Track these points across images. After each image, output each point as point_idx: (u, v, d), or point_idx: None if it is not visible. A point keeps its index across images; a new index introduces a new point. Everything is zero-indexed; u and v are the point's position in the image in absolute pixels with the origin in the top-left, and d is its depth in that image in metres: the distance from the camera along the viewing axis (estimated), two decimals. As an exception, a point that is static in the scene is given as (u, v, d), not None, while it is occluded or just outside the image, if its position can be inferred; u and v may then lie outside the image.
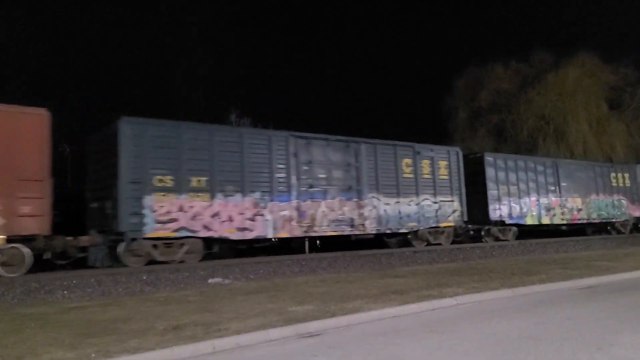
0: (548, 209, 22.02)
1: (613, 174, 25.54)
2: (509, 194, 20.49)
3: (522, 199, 20.99)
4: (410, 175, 17.58)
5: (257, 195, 14.26)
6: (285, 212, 14.74)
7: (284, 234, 14.78)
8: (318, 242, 18.19)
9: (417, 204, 17.57)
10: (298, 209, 14.98)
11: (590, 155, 30.17)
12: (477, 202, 19.60)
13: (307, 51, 55.42)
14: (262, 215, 14.29)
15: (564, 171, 23.04)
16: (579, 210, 23.42)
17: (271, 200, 14.49)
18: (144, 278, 10.57)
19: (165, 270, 11.36)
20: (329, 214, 15.55)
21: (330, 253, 15.35)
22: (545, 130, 34.56)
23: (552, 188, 22.40)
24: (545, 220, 21.83)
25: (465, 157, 19.81)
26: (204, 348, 5.27)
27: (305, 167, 15.34)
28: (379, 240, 18.06)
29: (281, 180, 14.81)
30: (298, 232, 14.98)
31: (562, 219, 22.66)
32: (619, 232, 25.33)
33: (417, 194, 17.61)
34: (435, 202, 18.08)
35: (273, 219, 14.46)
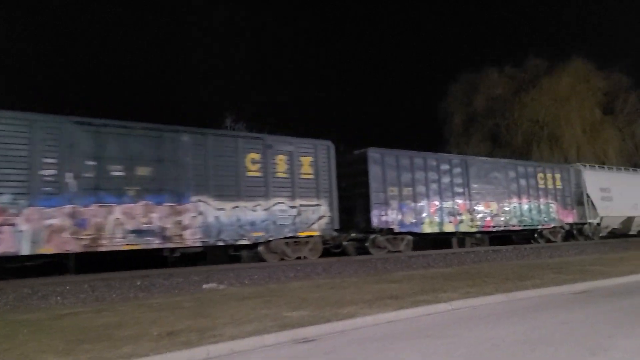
0: (453, 215, 18.99)
1: (540, 175, 22.53)
2: (400, 197, 17.48)
3: (418, 202, 17.93)
4: (258, 174, 14.38)
5: (5, 198, 10.92)
6: (53, 221, 11.32)
7: (48, 250, 11.30)
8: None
9: (266, 209, 14.36)
10: (75, 216, 11.58)
11: (583, 160, 30.32)
12: (361, 207, 17.03)
13: (303, 56, 55.58)
14: (12, 225, 10.89)
15: (475, 170, 20.00)
16: (494, 215, 20.33)
17: (30, 205, 11.13)
18: (138, 284, 10.53)
19: (159, 276, 11.31)
20: (126, 223, 12.14)
21: (324, 258, 15.34)
22: (539, 135, 34.81)
23: (460, 190, 19.36)
24: (449, 228, 18.86)
25: (347, 153, 17.54)
26: (199, 354, 5.24)
27: (91, 162, 11.99)
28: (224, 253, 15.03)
29: (49, 178, 11.47)
30: (74, 247, 11.49)
31: (472, 226, 19.57)
32: (548, 240, 22.64)
33: (267, 196, 14.42)
34: (294, 207, 14.95)
35: (32, 230, 11.05)
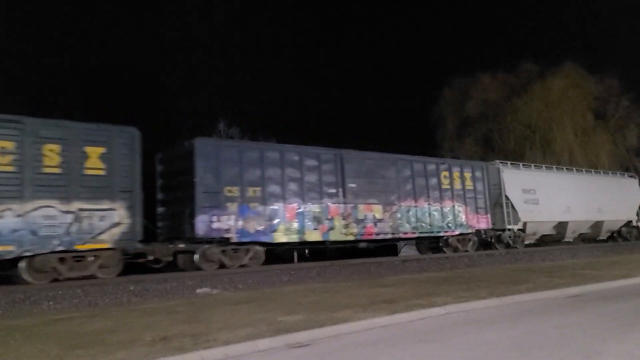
0: (320, 221, 15.63)
1: (445, 173, 19.15)
2: (243, 199, 14.28)
3: (270, 206, 14.69)
4: (10, 169, 11.11)
5: None
6: None
7: None
8: (307, 251, 17.92)
9: (20, 215, 11.03)
10: None
11: (575, 164, 30.43)
12: (188, 212, 13.92)
13: (300, 57, 55.60)
14: None
15: (354, 167, 16.74)
16: (379, 221, 17.02)
17: None
18: (131, 288, 10.48)
19: (153, 281, 11.28)
20: None
21: (318, 262, 15.35)
22: (531, 139, 35.02)
23: (332, 191, 16.08)
24: (314, 236, 15.55)
25: (178, 145, 14.77)
26: (193, 359, 5.23)
27: None
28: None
29: None
30: None
31: (347, 234, 16.21)
32: (456, 249, 19.41)
33: (23, 198, 11.13)
34: (69, 212, 11.59)
35: None
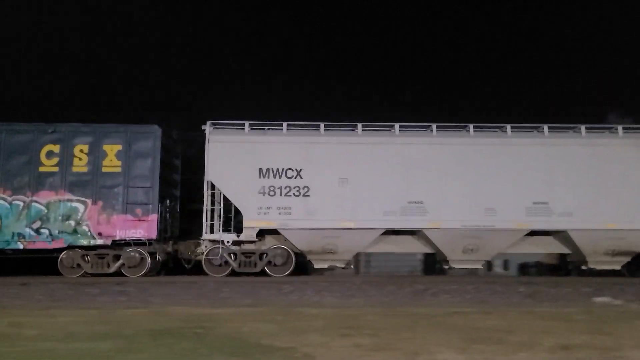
0: None
1: (50, 148, 13.05)
2: None
3: None
4: None
5: None
6: None
7: None
8: None
9: None
10: None
11: None
12: None
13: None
14: None
15: None
16: None
17: None
18: (521, 290, 10.47)
19: (544, 284, 11.00)
20: None
21: None
22: None
23: None
24: None
25: None
26: (602, 375, 4.68)
27: None
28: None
29: None
30: None
31: None
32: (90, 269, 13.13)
33: None
34: None
35: None
